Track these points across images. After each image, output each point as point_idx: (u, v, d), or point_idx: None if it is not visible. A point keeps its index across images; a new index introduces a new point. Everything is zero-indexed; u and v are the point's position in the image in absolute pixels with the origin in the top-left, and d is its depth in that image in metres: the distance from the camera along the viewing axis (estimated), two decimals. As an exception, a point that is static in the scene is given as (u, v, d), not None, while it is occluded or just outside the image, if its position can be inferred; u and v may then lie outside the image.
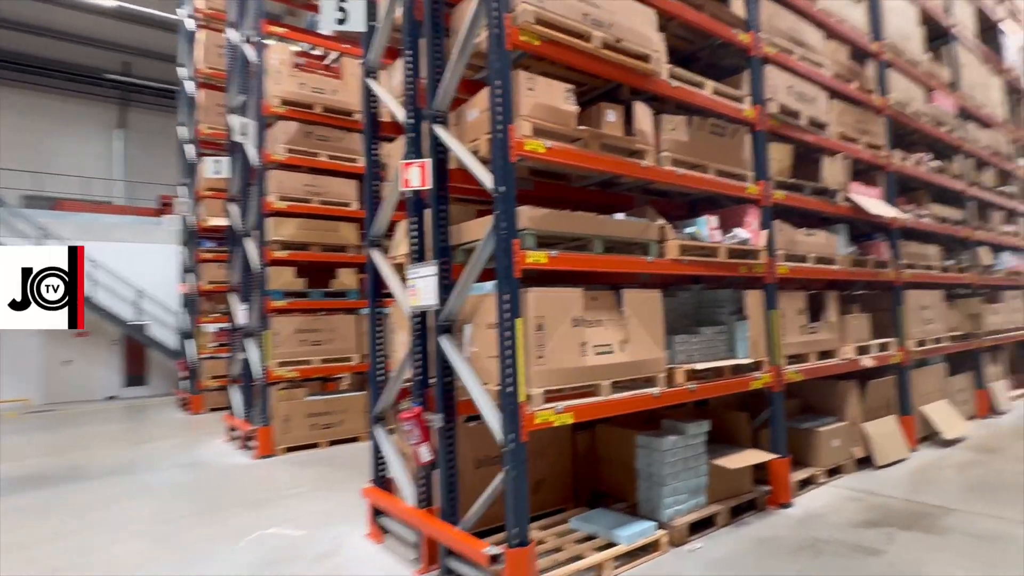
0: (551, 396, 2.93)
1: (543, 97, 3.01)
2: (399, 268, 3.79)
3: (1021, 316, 8.17)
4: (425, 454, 3.16)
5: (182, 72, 10.30)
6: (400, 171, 3.30)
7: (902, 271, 5.68)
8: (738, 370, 3.91)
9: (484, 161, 3.05)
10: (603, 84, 3.78)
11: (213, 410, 9.12)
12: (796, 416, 4.91)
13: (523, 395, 2.75)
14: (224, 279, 8.77)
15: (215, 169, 7.29)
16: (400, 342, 3.86)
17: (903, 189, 6.13)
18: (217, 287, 9.23)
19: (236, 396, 7.08)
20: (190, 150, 9.63)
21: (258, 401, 6.21)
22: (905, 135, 6.34)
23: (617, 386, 3.19)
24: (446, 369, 3.20)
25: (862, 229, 5.60)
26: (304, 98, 6.62)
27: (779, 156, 4.46)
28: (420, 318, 3.38)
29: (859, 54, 5.62)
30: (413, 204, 3.44)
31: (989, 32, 8.55)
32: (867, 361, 5.01)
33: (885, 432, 5.12)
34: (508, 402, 2.73)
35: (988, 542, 3.35)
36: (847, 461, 4.78)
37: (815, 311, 4.69)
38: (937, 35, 7.21)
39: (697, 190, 4.16)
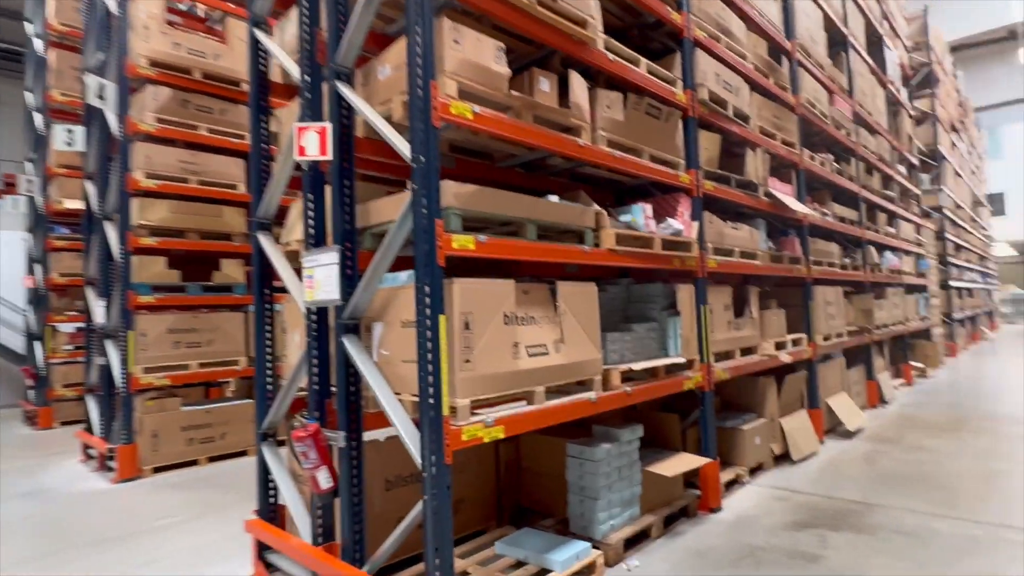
0: (479, 406, 2.49)
1: (471, 53, 2.55)
2: (293, 256, 3.18)
3: (900, 311, 8.80)
4: (324, 480, 2.60)
5: (30, 29, 8.75)
6: (294, 137, 2.71)
7: (812, 267, 5.79)
8: (672, 370, 3.67)
9: (399, 127, 2.55)
10: (534, 51, 3.38)
11: (67, 424, 7.81)
12: (717, 414, 4.80)
13: (447, 407, 2.29)
14: (80, 271, 7.50)
15: (66, 140, 6.12)
16: (294, 344, 3.25)
17: (807, 188, 6.28)
18: (72, 280, 7.89)
19: (93, 408, 6.00)
20: (39, 119, 8.18)
21: (120, 414, 5.24)
22: (811, 135, 6.51)
23: (552, 392, 2.81)
24: (351, 376, 2.66)
25: (775, 225, 5.64)
26: (179, 61, 5.69)
27: (708, 145, 4.30)
28: (319, 315, 2.81)
29: (774, 51, 5.64)
30: (310, 179, 2.85)
31: (874, 46, 9.13)
32: (785, 357, 5.01)
33: (799, 427, 5.16)
34: (429, 416, 2.26)
35: (914, 539, 3.32)
36: (767, 458, 4.74)
37: (738, 307, 4.59)
38: (835, 42, 7.53)
39: (631, 176, 3.89)
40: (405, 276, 2.61)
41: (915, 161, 11.17)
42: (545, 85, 2.94)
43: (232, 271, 6.03)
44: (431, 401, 2.26)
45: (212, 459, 5.62)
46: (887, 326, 7.97)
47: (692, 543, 3.37)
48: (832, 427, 6.03)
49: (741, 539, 3.39)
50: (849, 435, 5.84)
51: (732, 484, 4.27)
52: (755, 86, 5.02)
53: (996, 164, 26.95)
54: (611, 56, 3.31)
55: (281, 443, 3.30)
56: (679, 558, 3.18)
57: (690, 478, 3.89)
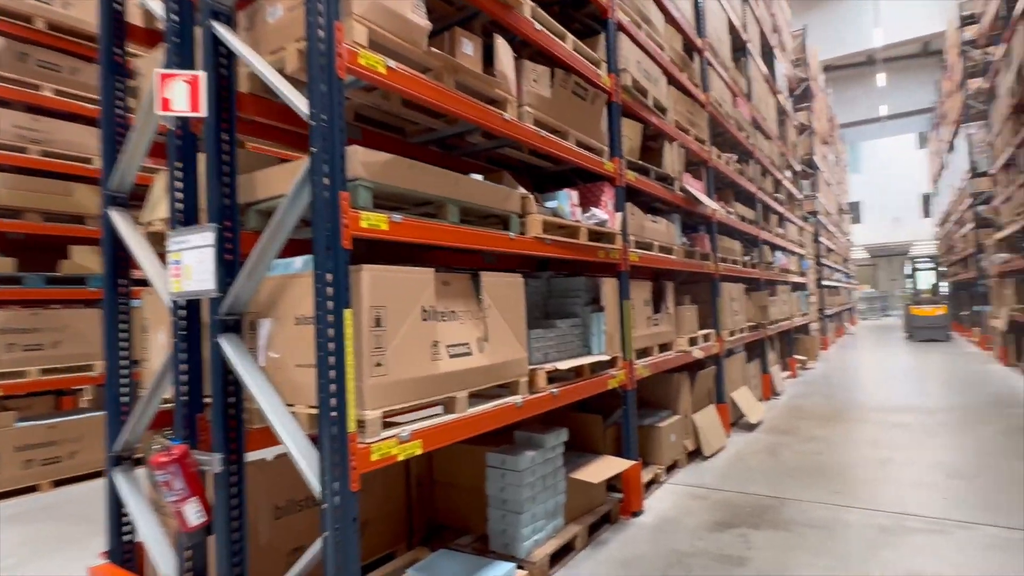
0: (392, 417, 2.10)
1: (384, -3, 2.14)
2: (157, 239, 2.60)
3: (788, 308, 9.34)
4: (193, 516, 2.09)
5: None
6: (155, 87, 2.16)
7: (719, 264, 5.88)
8: (597, 368, 3.45)
9: (295, 83, 2.09)
10: (454, 13, 3.01)
11: None
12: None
13: (353, 421, 1.88)
14: None
15: None
16: (157, 346, 2.66)
17: (715, 186, 6.41)
18: None
19: None
20: None
21: (-71, 434, 4.23)
22: (716, 135, 6.65)
23: (475, 397, 2.47)
24: (230, 385, 2.16)
25: (686, 221, 5.66)
26: (17, 6, 4.71)
27: (630, 134, 4.14)
28: (188, 310, 2.27)
29: (687, 48, 5.66)
30: (180, 143, 2.30)
31: (766, 57, 9.62)
32: (697, 352, 5.00)
33: (709, 422, 5.19)
34: (331, 433, 1.84)
35: (828, 532, 3.34)
36: (681, 455, 4.70)
37: (655, 302, 4.50)
38: (736, 48, 7.79)
39: (555, 160, 3.64)
40: (300, 262, 2.15)
41: (798, 168, 11.99)
42: (468, 48, 2.59)
43: (84, 260, 5.11)
44: (334, 414, 1.84)
45: (58, 483, 4.71)
46: (778, 322, 8.41)
47: (618, 552, 3.17)
48: (735, 420, 6.18)
49: (667, 544, 3.25)
50: (751, 427, 6.01)
51: (650, 484, 4.16)
52: (671, 79, 4.96)
53: (854, 177, 30.14)
54: (537, 26, 3.02)
55: (139, 462, 2.69)
56: (606, 571, 2.96)
57: (611, 481, 3.71)
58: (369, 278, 1.98)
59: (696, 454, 4.99)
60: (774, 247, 8.99)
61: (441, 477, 3.34)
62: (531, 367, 2.85)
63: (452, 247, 2.40)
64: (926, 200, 29.15)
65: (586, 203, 3.67)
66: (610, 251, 3.63)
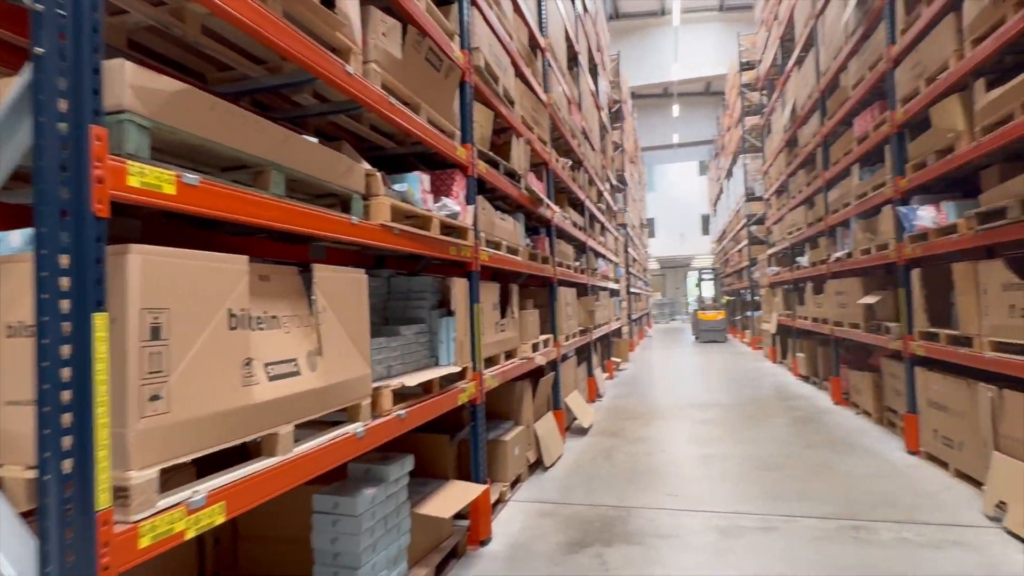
0: (171, 475, 1.42)
1: None
2: None
3: (608, 312, 9.82)
4: None
5: None
6: None
7: (557, 267, 5.81)
8: (447, 382, 3.00)
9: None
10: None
11: None
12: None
13: (107, 490, 1.19)
14: None
15: None
16: None
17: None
18: None
19: None
20: None
21: None
22: (553, 140, 6.63)
23: (303, 429, 1.86)
24: None
25: (526, 222, 5.49)
26: None
27: (482, 121, 3.77)
28: None
29: (531, 44, 5.50)
30: None
31: (592, 72, 10.06)
32: (540, 359, 4.81)
33: (549, 430, 5.03)
34: (60, 512, 1.13)
35: (677, 541, 3.29)
36: (524, 468, 4.44)
37: (501, 306, 4.19)
38: (570, 57, 7.94)
39: (401, 137, 3.11)
40: (19, 238, 1.37)
41: (615, 182, 12.81)
42: (302, -30, 1.97)
43: None
44: (69, 484, 1.13)
45: None
46: (600, 326, 8.75)
47: (470, 595, 2.75)
48: (568, 424, 6.17)
49: (522, 577, 2.91)
50: (584, 431, 6.03)
51: (497, 504, 3.82)
52: (519, 72, 4.72)
53: (650, 195, 33.82)
54: (388, -30, 2.49)
55: None
56: (460, 622, 2.52)
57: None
58: (141, 265, 1.29)
59: (537, 464, 4.79)
60: (597, 254, 9.38)
61: (249, 530, 2.60)
62: (375, 385, 2.30)
63: (275, 229, 1.77)
64: (705, 220, 33.72)
65: (436, 192, 3.20)
66: (462, 248, 3.21)
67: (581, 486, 4.29)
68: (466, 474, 3.48)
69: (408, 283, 3.22)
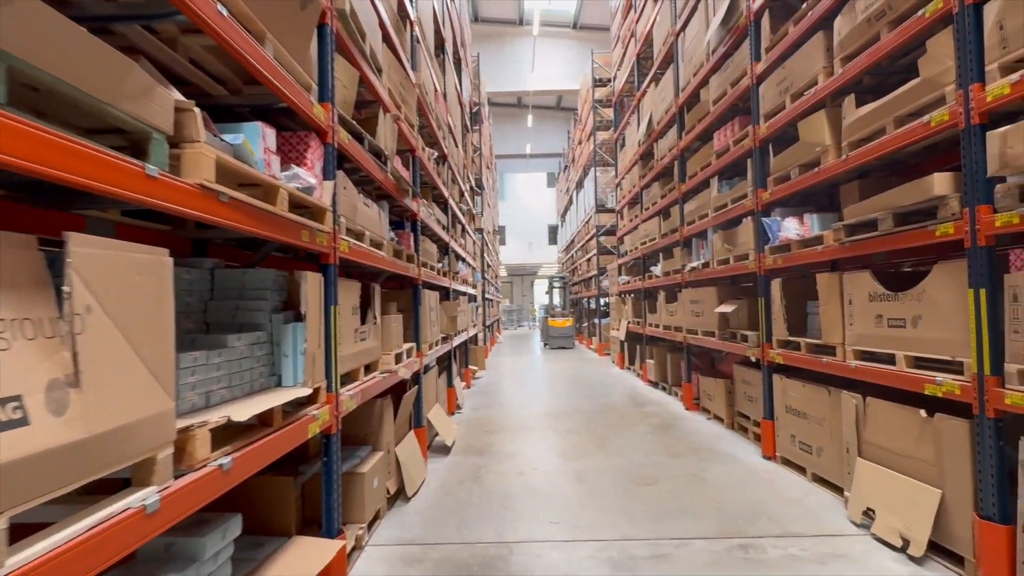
0: None
1: None
2: None
3: (468, 318, 9.36)
4: None
5: None
6: None
7: (421, 268, 5.19)
8: (293, 409, 2.26)
9: None
10: None
11: None
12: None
13: None
14: None
15: None
16: None
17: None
18: None
19: None
20: None
21: None
22: (419, 127, 6.01)
23: (35, 514, 1.07)
24: None
25: (392, 212, 4.81)
26: None
27: (346, 81, 3.06)
28: None
29: (400, 13, 4.85)
30: None
31: (457, 65, 9.59)
32: (403, 371, 4.15)
33: (411, 453, 4.39)
34: None
35: (568, 582, 2.87)
36: (384, 502, 3.76)
37: (362, 310, 3.49)
38: (437, 43, 7.38)
39: (236, 79, 2.32)
40: None
41: (474, 184, 12.46)
42: None
43: None
44: None
45: None
46: (460, 332, 8.26)
47: None
48: (430, 441, 5.57)
49: (390, 658, 2.26)
50: (447, 450, 5.46)
51: (352, 552, 3.10)
52: (387, 38, 4.06)
53: (501, 204, 34.32)
54: None
55: None
56: None
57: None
58: None
59: (399, 495, 4.12)
60: (458, 256, 8.89)
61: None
62: (183, 423, 1.54)
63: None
64: (553, 231, 35.01)
65: (284, 158, 2.46)
66: (317, 233, 2.49)
67: (452, 518, 3.72)
68: (312, 518, 2.74)
69: (241, 278, 2.42)
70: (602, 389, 9.14)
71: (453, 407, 7.32)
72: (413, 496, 4.14)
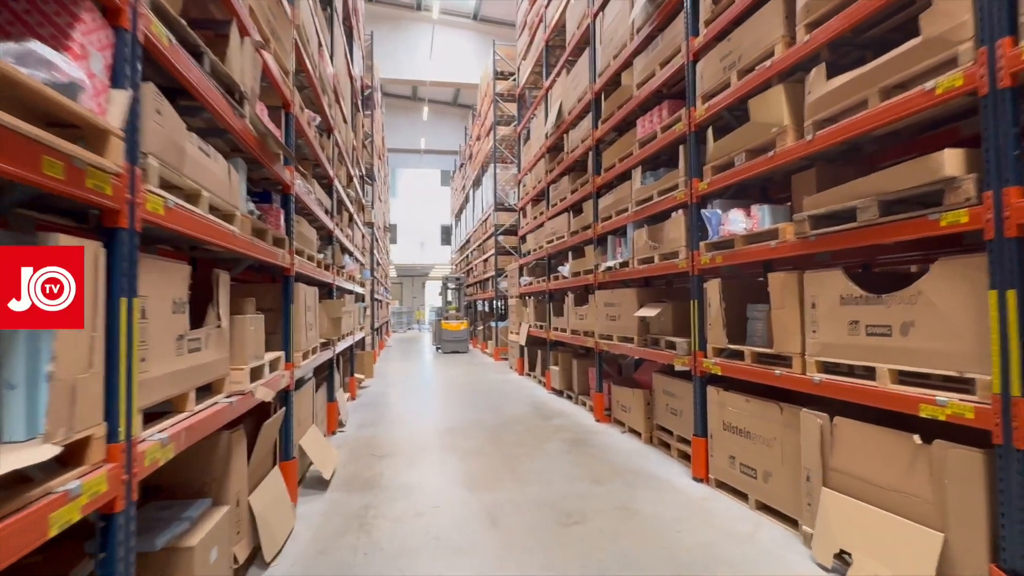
0: None
1: None
2: None
3: (354, 320, 8.20)
4: None
5: None
6: None
7: (295, 255, 4.09)
8: (19, 488, 1.20)
9: None
10: None
11: None
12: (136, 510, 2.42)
13: None
14: None
15: None
16: None
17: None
18: None
19: None
20: None
21: None
22: (298, 85, 4.88)
23: None
24: None
25: (251, 180, 3.69)
26: None
27: (167, -49, 1.99)
28: None
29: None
30: None
31: (348, 32, 8.43)
32: (263, 392, 3.07)
33: (273, 500, 3.31)
34: None
35: None
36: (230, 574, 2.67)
37: (196, 308, 2.40)
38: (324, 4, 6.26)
39: None
40: None
41: (364, 172, 11.25)
42: None
43: None
44: None
45: None
46: (345, 336, 7.11)
47: None
48: (302, 475, 4.46)
49: None
50: (324, 484, 4.38)
51: None
52: (249, -62, 2.98)
53: (393, 201, 32.71)
54: None
55: None
56: None
57: None
58: None
59: (253, 559, 3.03)
60: (344, 249, 7.72)
61: None
62: None
63: None
64: (446, 231, 33.99)
65: (23, 26, 1.38)
66: (90, 173, 1.43)
67: (326, 595, 2.72)
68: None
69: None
70: (503, 399, 8.38)
71: (334, 425, 6.18)
72: (273, 561, 3.07)
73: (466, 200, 21.21)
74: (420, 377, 11.18)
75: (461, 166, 23.56)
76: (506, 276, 14.32)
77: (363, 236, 10.71)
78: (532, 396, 8.61)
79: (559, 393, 8.61)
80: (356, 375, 8.81)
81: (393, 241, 33.23)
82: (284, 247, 3.77)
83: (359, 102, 9.79)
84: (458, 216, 24.46)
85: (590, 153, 7.01)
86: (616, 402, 6.39)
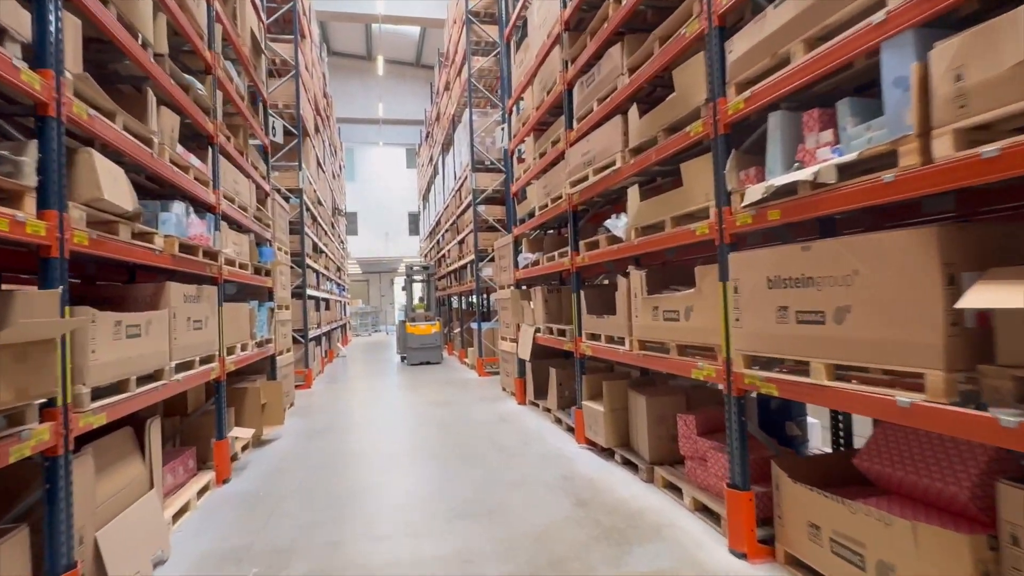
0: None
1: None
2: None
3: (209, 333, 4.23)
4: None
5: None
6: None
7: None
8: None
9: None
10: None
11: None
12: None
13: None
14: None
15: None
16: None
17: None
18: None
19: None
20: None
21: None
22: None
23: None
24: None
25: None
26: None
27: None
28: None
29: None
30: None
31: None
32: None
33: None
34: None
35: None
36: None
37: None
38: None
39: None
40: None
41: (276, 120, 7.25)
42: None
43: None
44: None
45: None
46: (188, 365, 3.16)
47: None
48: None
49: None
50: None
51: None
52: None
53: (351, 185, 28.25)
54: None
55: None
56: None
57: None
58: None
59: None
60: (193, 201, 3.77)
61: None
62: None
63: None
64: (414, 219, 29.81)
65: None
66: None
67: None
68: None
69: None
70: (509, 473, 4.52)
71: (225, 473, 2.26)
72: None
73: (435, 173, 17.23)
74: (368, 411, 7.26)
75: (427, 136, 19.54)
76: (491, 259, 10.45)
77: (263, 196, 6.71)
78: (560, 461, 4.77)
79: (609, 454, 4.80)
80: (233, 435, 4.82)
81: (353, 232, 28.98)
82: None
83: (263, 28, 5.79)
84: (425, 197, 20.46)
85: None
86: (804, 521, 2.59)
